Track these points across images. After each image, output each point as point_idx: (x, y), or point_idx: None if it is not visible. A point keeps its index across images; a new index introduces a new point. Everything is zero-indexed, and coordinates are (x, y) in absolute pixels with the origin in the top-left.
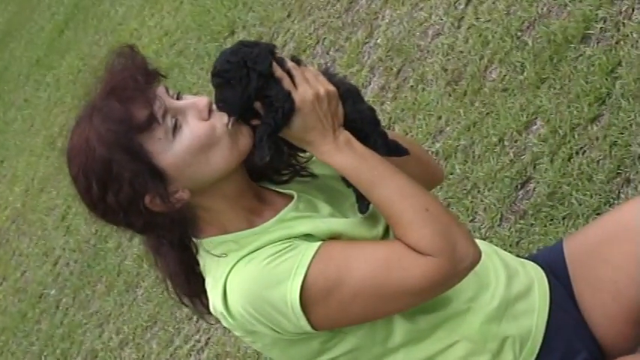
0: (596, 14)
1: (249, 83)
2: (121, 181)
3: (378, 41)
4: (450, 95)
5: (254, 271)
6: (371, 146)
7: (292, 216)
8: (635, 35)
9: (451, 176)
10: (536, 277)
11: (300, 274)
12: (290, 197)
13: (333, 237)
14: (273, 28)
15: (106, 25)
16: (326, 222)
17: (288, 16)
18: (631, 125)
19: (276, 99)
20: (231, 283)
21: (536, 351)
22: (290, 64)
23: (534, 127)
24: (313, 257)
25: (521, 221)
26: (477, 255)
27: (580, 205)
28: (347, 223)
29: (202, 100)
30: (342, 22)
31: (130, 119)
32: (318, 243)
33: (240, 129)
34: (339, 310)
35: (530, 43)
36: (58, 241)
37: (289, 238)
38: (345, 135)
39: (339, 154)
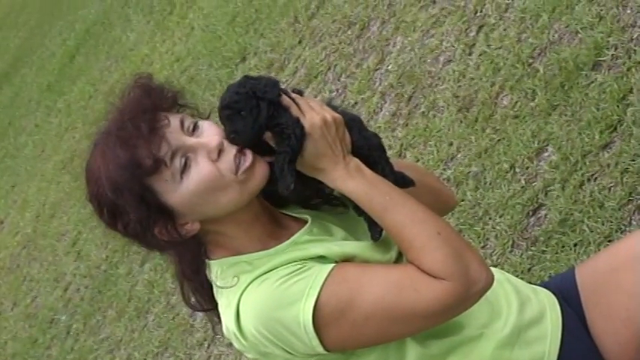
0: (608, 41)
1: (259, 113)
2: (130, 214)
3: (389, 68)
4: (461, 122)
5: (267, 291)
6: (380, 173)
7: (306, 239)
8: None
9: (462, 203)
10: (548, 304)
11: (313, 295)
12: (305, 221)
13: (347, 259)
14: (284, 55)
15: (117, 50)
16: (339, 245)
17: (300, 42)
18: None
19: (286, 126)
20: (244, 303)
21: None
22: (293, 95)
23: (545, 154)
24: (326, 279)
25: (533, 248)
26: (490, 279)
27: (591, 232)
28: (360, 246)
29: (214, 141)
30: (353, 49)
31: (137, 165)
32: (331, 265)
33: (251, 172)
34: (352, 332)
35: (541, 70)
36: (68, 267)
37: (302, 260)
38: (355, 161)
39: (351, 180)
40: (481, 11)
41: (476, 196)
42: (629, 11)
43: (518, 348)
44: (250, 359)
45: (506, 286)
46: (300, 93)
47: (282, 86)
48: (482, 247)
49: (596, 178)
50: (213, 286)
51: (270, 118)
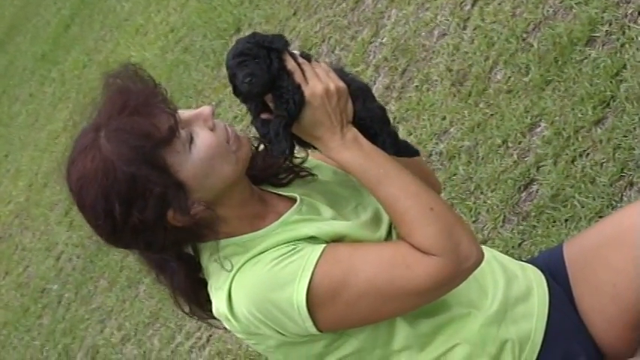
0: (602, 17)
1: (272, 62)
2: (147, 198)
3: (384, 41)
4: (454, 96)
5: (260, 273)
6: (380, 145)
7: (295, 219)
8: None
9: (454, 177)
10: (535, 281)
11: (306, 276)
12: (293, 200)
13: (337, 239)
14: (278, 27)
15: (112, 20)
16: (329, 224)
17: (294, 14)
18: (635, 129)
19: (286, 91)
20: (237, 285)
21: (536, 354)
22: (300, 59)
23: (538, 129)
24: (319, 259)
25: (524, 223)
26: (480, 255)
27: (583, 207)
28: (350, 225)
29: (206, 109)
30: (347, 21)
31: (154, 133)
32: (323, 245)
33: (239, 141)
34: (345, 311)
35: (535, 45)
36: (61, 236)
37: (294, 241)
38: (352, 132)
39: (346, 150)
40: None
41: (468, 170)
42: None
43: (505, 325)
44: (241, 338)
45: (493, 264)
46: (309, 58)
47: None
48: (474, 222)
49: (588, 153)
50: (204, 269)
51: (273, 77)
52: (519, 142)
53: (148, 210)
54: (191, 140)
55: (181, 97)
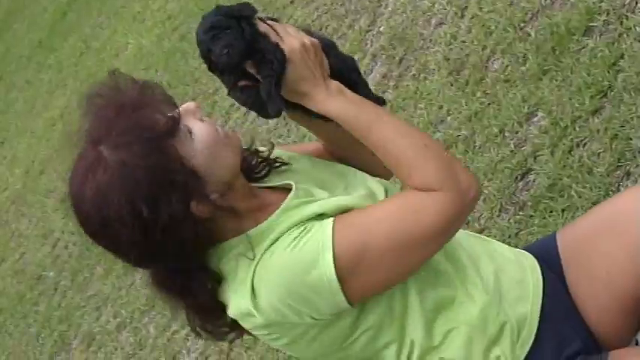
0: (600, 7)
1: (243, 30)
2: (170, 192)
3: (381, 29)
4: (451, 85)
5: (281, 260)
6: (360, 93)
7: (296, 203)
8: (638, 28)
9: None
10: (528, 266)
11: (328, 250)
12: (284, 190)
13: (343, 212)
14: (276, 14)
15: (109, 7)
16: (332, 200)
17: (292, 2)
18: (632, 118)
19: (267, 52)
20: (260, 278)
21: (532, 338)
22: (270, 22)
23: (535, 119)
24: (333, 231)
25: (521, 212)
26: (479, 186)
27: (580, 197)
28: (351, 198)
29: (191, 104)
30: (345, 10)
31: (159, 124)
32: (331, 218)
33: (226, 131)
34: (371, 274)
35: (532, 34)
36: (57, 224)
37: (302, 222)
38: (335, 83)
39: (335, 101)
40: None
41: (465, 159)
42: None
43: (502, 308)
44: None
45: (487, 248)
46: (276, 20)
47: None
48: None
49: (585, 143)
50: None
51: (250, 43)
52: (516, 132)
53: (174, 203)
54: (190, 131)
55: (178, 85)
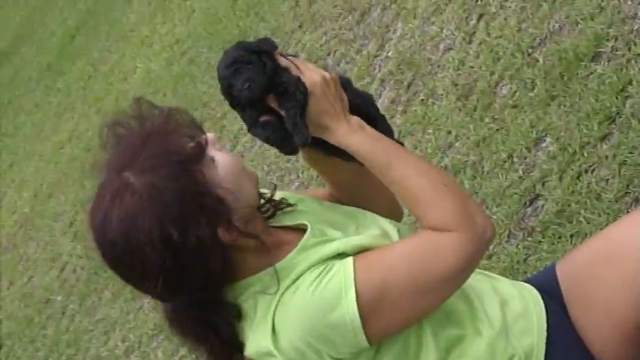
0: (608, 33)
1: (265, 64)
2: (199, 215)
3: (389, 54)
4: (460, 110)
5: (304, 299)
6: (379, 129)
7: (313, 242)
8: None
9: None
10: (531, 299)
11: (350, 288)
12: (298, 229)
13: (361, 251)
14: (284, 39)
15: (118, 31)
16: (350, 239)
17: (300, 27)
18: None
19: (289, 84)
20: (281, 317)
21: None
22: (290, 57)
23: (544, 145)
24: (354, 269)
25: (529, 238)
26: (494, 227)
27: (588, 223)
28: (367, 237)
29: (211, 134)
30: (353, 35)
31: (186, 148)
32: (351, 258)
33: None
34: (391, 314)
35: (541, 60)
36: (65, 247)
37: (322, 261)
38: (356, 118)
39: (355, 135)
40: (482, 0)
41: (473, 185)
42: (629, 3)
43: (509, 341)
44: None
45: (488, 285)
46: (295, 56)
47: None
48: None
49: (593, 169)
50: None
51: (271, 77)
52: (525, 157)
53: (202, 227)
54: (212, 159)
55: (186, 109)
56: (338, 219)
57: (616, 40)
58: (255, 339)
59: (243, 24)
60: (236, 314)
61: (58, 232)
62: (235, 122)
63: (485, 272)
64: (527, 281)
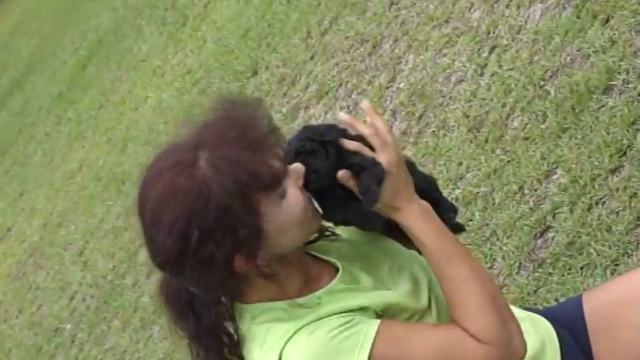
0: (619, 65)
1: (328, 152)
2: (227, 235)
3: (401, 86)
4: (471, 142)
5: (320, 342)
6: (441, 211)
7: (341, 288)
8: None
9: (471, 223)
10: (547, 337)
11: (365, 350)
12: (331, 266)
13: (386, 308)
14: (295, 70)
15: (129, 61)
16: (379, 295)
17: (312, 58)
18: None
19: (365, 162)
20: (292, 352)
21: None
22: (365, 129)
23: (555, 177)
24: (376, 335)
25: (540, 270)
26: (525, 350)
27: (599, 255)
28: (397, 295)
29: (300, 167)
30: (365, 66)
31: (262, 176)
32: (379, 321)
33: (316, 212)
34: None
35: (552, 92)
36: (75, 276)
37: (348, 312)
38: (425, 204)
39: (424, 221)
40: (494, 32)
41: (484, 216)
42: None
43: None
44: None
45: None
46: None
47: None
48: (490, 268)
49: (604, 201)
50: (241, 330)
51: (341, 160)
52: (535, 189)
53: (223, 247)
54: (283, 195)
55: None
56: (373, 255)
57: (627, 73)
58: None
59: (255, 54)
60: (228, 315)
61: (68, 260)
62: None
63: None
64: (551, 311)
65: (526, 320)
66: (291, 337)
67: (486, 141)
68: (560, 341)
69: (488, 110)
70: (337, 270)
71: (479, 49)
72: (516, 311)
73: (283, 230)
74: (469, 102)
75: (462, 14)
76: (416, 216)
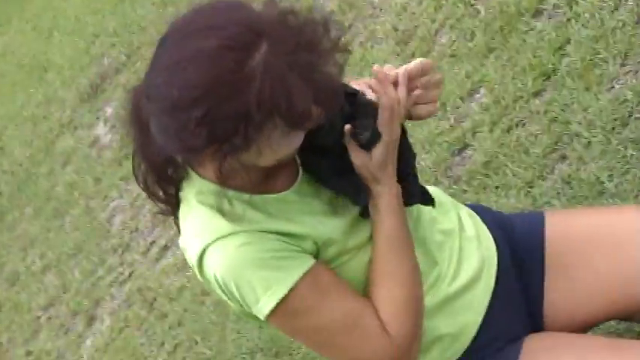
0: None
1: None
2: (224, 132)
3: None
4: (397, 55)
5: (245, 258)
6: (410, 188)
7: (292, 199)
8: (586, 15)
9: None
10: (486, 265)
11: (286, 287)
12: (296, 167)
13: (326, 243)
14: None
15: None
16: (323, 224)
17: None
18: (572, 103)
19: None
20: (218, 251)
21: (465, 347)
22: (386, 100)
23: (477, 96)
24: (301, 278)
25: (455, 186)
26: None
27: (514, 176)
28: (340, 228)
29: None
30: None
31: (299, 116)
32: (311, 263)
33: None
34: (293, 332)
35: (482, 11)
36: None
37: (288, 236)
38: (397, 187)
39: (396, 205)
40: None
41: None
42: None
43: (439, 319)
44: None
45: (454, 241)
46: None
47: None
48: None
49: (524, 123)
50: (182, 194)
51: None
52: (457, 107)
53: (211, 136)
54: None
55: (124, 32)
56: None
57: None
58: (186, 243)
59: None
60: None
61: None
62: None
63: (464, 208)
64: (512, 218)
65: (473, 241)
66: (223, 237)
67: (413, 55)
68: (498, 265)
69: (417, 25)
70: (297, 174)
71: None
72: (468, 228)
73: (264, 155)
74: (399, 15)
75: None
76: (390, 196)
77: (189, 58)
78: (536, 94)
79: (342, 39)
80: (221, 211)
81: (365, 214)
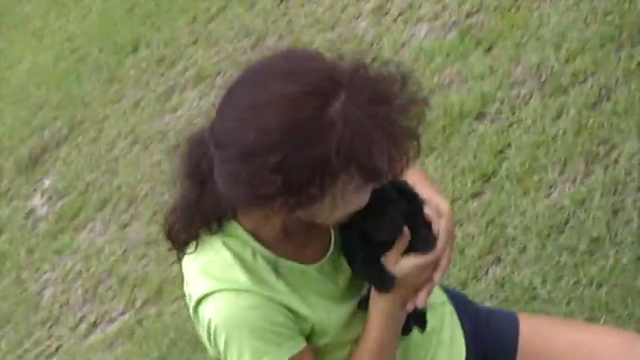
0: (495, 94)
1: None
2: (299, 180)
3: None
4: None
5: (246, 320)
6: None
7: (313, 276)
8: (528, 121)
9: None
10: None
11: None
12: (326, 244)
13: (324, 332)
14: (176, 52)
15: (10, 19)
16: (328, 312)
17: (194, 43)
18: (510, 207)
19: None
20: (222, 302)
21: None
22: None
23: None
24: (292, 357)
25: None
26: None
27: (449, 276)
28: (341, 321)
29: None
30: (246, 58)
31: (376, 170)
32: (303, 346)
33: None
34: None
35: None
36: None
37: (292, 312)
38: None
39: (391, 314)
40: (378, 44)
41: None
42: (520, 69)
43: None
44: None
45: (431, 346)
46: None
47: None
48: None
49: (462, 224)
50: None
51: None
52: None
53: (284, 186)
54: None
55: (68, 106)
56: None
57: (502, 102)
58: (190, 283)
59: (138, 31)
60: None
61: None
62: (114, 127)
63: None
64: (487, 313)
65: (446, 347)
66: (235, 290)
67: None
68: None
69: None
70: (327, 250)
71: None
72: (445, 329)
73: (334, 211)
74: None
75: (349, 22)
76: (390, 304)
77: (267, 102)
78: (475, 195)
79: (420, 93)
80: (242, 262)
81: (362, 305)
